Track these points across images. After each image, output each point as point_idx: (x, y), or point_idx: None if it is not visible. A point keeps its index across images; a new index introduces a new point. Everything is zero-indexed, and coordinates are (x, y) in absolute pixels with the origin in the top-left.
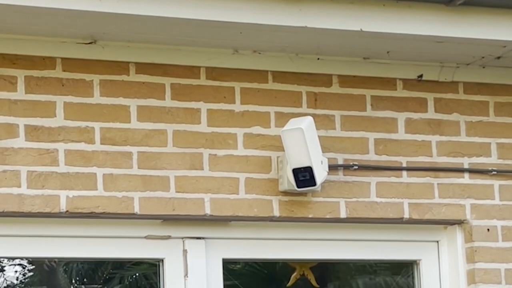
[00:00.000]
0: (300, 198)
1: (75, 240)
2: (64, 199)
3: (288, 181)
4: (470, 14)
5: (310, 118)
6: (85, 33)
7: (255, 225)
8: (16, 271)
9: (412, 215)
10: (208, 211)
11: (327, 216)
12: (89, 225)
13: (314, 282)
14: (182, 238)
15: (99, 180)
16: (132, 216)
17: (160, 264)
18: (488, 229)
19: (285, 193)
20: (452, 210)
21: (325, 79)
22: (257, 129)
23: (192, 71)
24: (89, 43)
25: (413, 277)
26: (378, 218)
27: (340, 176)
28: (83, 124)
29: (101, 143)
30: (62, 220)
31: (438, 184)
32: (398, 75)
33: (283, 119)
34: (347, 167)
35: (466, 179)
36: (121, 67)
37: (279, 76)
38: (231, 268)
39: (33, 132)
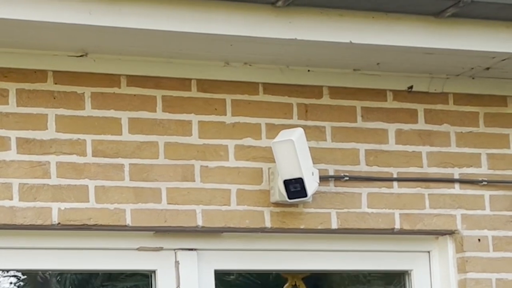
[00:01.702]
0: (292, 209)
1: (67, 252)
2: (56, 211)
3: (280, 192)
4: (459, 25)
5: (300, 130)
6: (76, 46)
7: (247, 236)
8: (10, 283)
9: (403, 226)
10: (200, 222)
11: (319, 227)
12: (81, 237)
13: None
14: (174, 249)
15: (91, 192)
16: (124, 228)
17: (152, 275)
18: (479, 239)
19: (277, 204)
20: (443, 220)
21: (316, 91)
22: (248, 141)
23: (183, 83)
24: (80, 56)
25: (405, 287)
26: (370, 228)
27: (331, 187)
28: (74, 136)
29: (93, 155)
30: (54, 232)
31: (429, 194)
32: (388, 86)
33: (274, 130)
34: (338, 178)
35: (456, 189)
36: (113, 79)
37: (270, 88)
38: (224, 279)
39: (25, 145)
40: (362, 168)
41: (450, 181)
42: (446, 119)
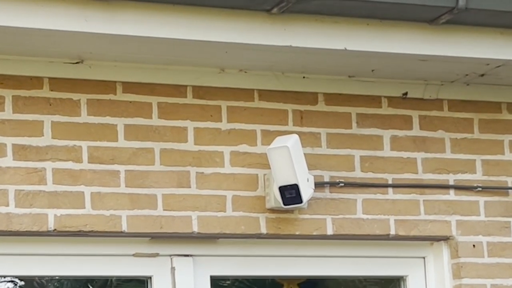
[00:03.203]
0: (287, 215)
1: (63, 258)
2: (52, 217)
3: (275, 198)
4: (453, 32)
5: (296, 136)
6: (72, 53)
7: (242, 242)
8: None
9: (399, 232)
10: (195, 228)
11: (314, 233)
12: (77, 243)
13: None
14: (170, 255)
15: (86, 199)
16: (120, 234)
17: (148, 281)
18: (474, 245)
19: (272, 210)
20: (438, 226)
21: (311, 97)
22: (243, 147)
23: (179, 90)
24: (76, 62)
25: None
26: (365, 234)
27: (326, 193)
28: (70, 143)
29: (89, 162)
30: (50, 239)
31: (423, 200)
32: (383, 93)
33: (269, 137)
34: (333, 184)
35: (451, 195)
36: (108, 86)
37: (265, 95)
38: (220, 285)
39: (21, 151)
40: (357, 174)
41: (445, 187)
42: (440, 125)
